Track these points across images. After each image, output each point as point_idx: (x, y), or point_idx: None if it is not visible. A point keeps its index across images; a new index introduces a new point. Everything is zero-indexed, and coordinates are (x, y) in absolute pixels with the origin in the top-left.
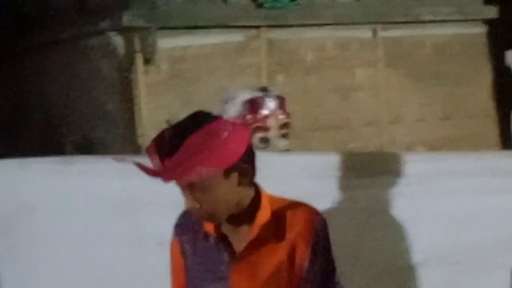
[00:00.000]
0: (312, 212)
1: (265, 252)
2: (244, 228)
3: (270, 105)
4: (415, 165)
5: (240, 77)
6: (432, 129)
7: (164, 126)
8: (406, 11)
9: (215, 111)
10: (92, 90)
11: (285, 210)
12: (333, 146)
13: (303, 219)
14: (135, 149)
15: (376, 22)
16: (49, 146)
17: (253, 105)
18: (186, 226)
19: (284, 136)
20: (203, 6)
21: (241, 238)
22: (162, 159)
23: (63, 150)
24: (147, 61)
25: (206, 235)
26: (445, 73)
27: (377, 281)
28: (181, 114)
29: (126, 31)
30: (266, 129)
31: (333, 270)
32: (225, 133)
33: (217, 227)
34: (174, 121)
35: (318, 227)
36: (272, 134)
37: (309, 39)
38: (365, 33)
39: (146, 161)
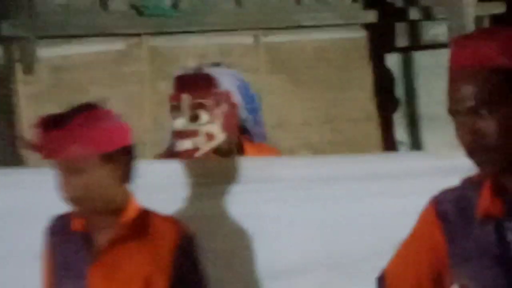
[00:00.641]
0: (179, 226)
1: (126, 254)
2: (110, 227)
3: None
4: (293, 170)
5: (122, 85)
6: (316, 133)
7: None
8: (287, 16)
9: None
10: None
11: (153, 217)
12: None
13: (169, 229)
14: (16, 161)
15: (257, 28)
16: None
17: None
18: (55, 226)
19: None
20: (83, 15)
21: (104, 237)
22: (45, 133)
23: None
24: (27, 71)
25: (72, 233)
26: (327, 77)
27: None
28: None
29: (4, 41)
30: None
31: (199, 283)
32: (110, 122)
33: (84, 226)
34: None
35: (183, 242)
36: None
37: (191, 46)
38: (246, 39)
39: (26, 174)
